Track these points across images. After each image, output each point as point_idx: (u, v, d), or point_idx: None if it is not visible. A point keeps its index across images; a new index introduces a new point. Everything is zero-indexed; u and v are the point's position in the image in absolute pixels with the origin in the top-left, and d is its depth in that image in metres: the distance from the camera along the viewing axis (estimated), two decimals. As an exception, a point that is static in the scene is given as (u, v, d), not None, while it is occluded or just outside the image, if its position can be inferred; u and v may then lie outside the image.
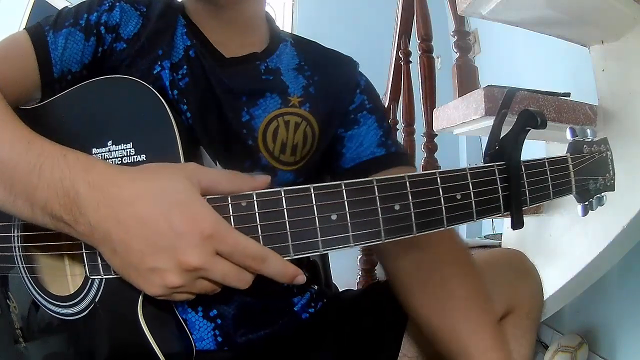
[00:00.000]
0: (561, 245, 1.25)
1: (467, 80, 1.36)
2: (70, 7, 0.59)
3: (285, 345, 0.62)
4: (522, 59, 2.11)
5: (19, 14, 2.37)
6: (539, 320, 0.69)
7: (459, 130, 1.26)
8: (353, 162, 0.66)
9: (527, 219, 1.41)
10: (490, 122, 1.10)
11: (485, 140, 0.49)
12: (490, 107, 1.05)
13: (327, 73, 0.67)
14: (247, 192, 0.41)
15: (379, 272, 1.89)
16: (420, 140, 1.66)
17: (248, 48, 0.64)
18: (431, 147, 1.58)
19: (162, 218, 0.37)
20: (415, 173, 0.43)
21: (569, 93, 1.18)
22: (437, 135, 1.55)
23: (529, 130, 0.45)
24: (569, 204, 1.23)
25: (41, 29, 0.56)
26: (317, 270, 0.72)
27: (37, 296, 0.53)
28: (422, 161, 1.59)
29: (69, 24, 0.56)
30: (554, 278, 1.24)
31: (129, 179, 0.39)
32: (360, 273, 1.85)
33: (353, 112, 0.67)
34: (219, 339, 0.58)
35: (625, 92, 1.11)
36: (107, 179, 0.39)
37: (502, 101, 0.50)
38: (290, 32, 0.73)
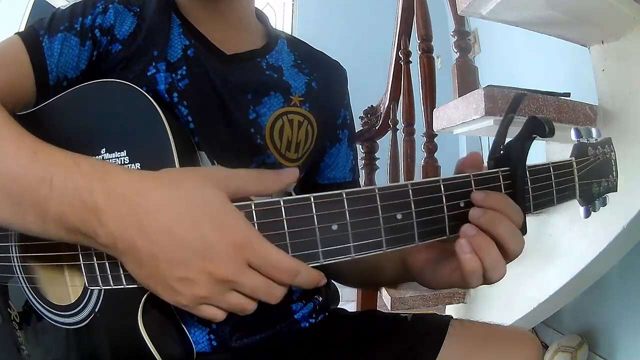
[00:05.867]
0: (561, 245, 1.25)
1: (467, 80, 1.36)
2: (64, 9, 0.56)
3: (284, 350, 0.61)
4: (522, 59, 2.12)
5: (19, 14, 2.36)
6: None
7: (459, 130, 1.26)
8: (327, 180, 0.71)
9: (527, 219, 1.42)
10: (490, 122, 1.10)
11: (485, 140, 0.49)
12: (490, 107, 1.05)
13: (323, 75, 0.69)
14: (246, 202, 0.39)
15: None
16: (420, 140, 1.66)
17: (246, 46, 0.64)
18: (431, 147, 1.58)
19: (191, 228, 0.36)
20: (417, 181, 0.42)
21: (569, 93, 1.18)
22: (437, 135, 1.55)
23: (535, 137, 0.45)
24: (569, 204, 1.23)
25: (35, 34, 0.53)
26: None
27: (38, 305, 0.52)
28: (422, 161, 1.59)
29: (64, 28, 0.54)
30: (554, 278, 1.24)
31: (152, 186, 0.37)
32: (360, 273, 1.85)
33: (339, 128, 0.71)
34: (214, 342, 0.57)
35: (625, 92, 1.11)
36: (128, 186, 0.37)
37: (510, 105, 0.48)
38: (283, 31, 0.74)
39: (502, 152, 0.47)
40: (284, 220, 0.39)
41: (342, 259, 0.40)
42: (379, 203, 0.41)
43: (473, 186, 0.44)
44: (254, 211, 0.39)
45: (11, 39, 0.53)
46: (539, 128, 0.44)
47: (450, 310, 1.69)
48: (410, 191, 0.42)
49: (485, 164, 0.48)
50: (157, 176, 0.39)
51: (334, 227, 0.40)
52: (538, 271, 1.32)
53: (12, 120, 0.44)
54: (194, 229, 0.36)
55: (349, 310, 0.73)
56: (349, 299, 1.76)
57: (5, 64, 0.52)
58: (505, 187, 0.45)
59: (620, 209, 1.03)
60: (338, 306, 0.74)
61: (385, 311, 0.72)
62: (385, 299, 1.57)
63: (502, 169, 0.46)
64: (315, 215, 0.39)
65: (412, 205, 0.41)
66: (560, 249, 1.25)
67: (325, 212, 0.40)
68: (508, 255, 0.43)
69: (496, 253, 0.42)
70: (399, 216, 0.41)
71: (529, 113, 1.06)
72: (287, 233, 0.39)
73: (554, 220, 1.29)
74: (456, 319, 0.63)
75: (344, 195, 0.40)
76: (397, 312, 0.71)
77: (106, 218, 0.37)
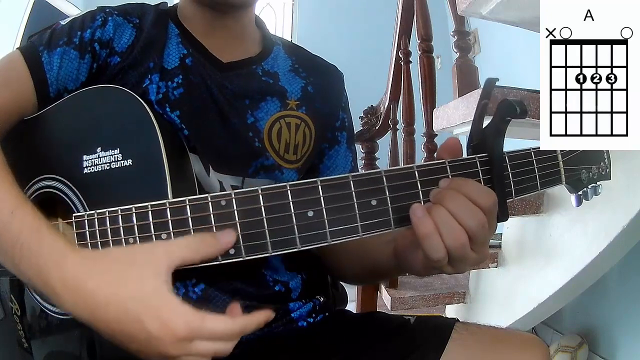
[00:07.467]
0: (561, 245, 1.25)
1: (467, 80, 1.36)
2: (64, 24, 0.59)
3: (281, 349, 0.61)
4: (522, 59, 2.11)
5: (19, 14, 2.36)
6: None
7: (459, 130, 1.26)
8: None
9: (526, 219, 1.42)
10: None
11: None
12: (490, 107, 1.05)
13: (320, 79, 0.70)
14: (227, 192, 0.43)
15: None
16: (420, 140, 1.66)
17: (242, 53, 0.66)
18: (431, 147, 1.58)
19: (135, 323, 0.39)
20: (391, 168, 0.43)
21: (569, 93, 1.18)
22: (437, 135, 1.55)
23: (510, 120, 0.45)
24: (569, 204, 1.23)
25: (35, 49, 0.56)
26: (325, 280, 0.71)
27: (38, 297, 0.53)
28: (422, 161, 1.59)
29: (63, 43, 0.56)
30: (554, 278, 1.24)
31: (101, 282, 0.40)
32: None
33: (337, 130, 0.71)
34: None
35: (625, 92, 1.11)
36: (79, 279, 0.40)
37: (482, 91, 0.48)
38: (281, 37, 0.76)
39: (479, 139, 0.47)
40: (262, 207, 0.42)
41: (320, 245, 0.42)
42: (353, 190, 0.42)
43: (449, 172, 0.44)
44: (233, 199, 0.42)
45: (12, 55, 0.56)
46: (511, 109, 0.44)
47: (450, 310, 1.69)
48: (384, 178, 0.43)
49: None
50: (107, 266, 0.41)
51: (310, 213, 0.42)
52: (538, 271, 1.32)
53: (2, 169, 0.46)
54: (138, 325, 0.39)
55: (350, 311, 0.73)
56: (349, 299, 1.76)
57: (7, 79, 0.55)
58: (483, 173, 0.45)
59: (620, 209, 1.03)
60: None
61: (386, 311, 0.72)
62: (385, 299, 1.57)
63: (480, 155, 0.46)
64: (291, 202, 0.42)
65: (387, 192, 0.43)
66: (560, 249, 1.25)
67: (301, 199, 0.42)
68: (469, 235, 0.42)
69: (445, 213, 0.42)
70: (373, 202, 0.42)
71: (531, 113, 1.06)
72: (264, 219, 0.42)
73: (554, 220, 1.29)
74: (462, 322, 0.62)
75: (319, 183, 0.42)
76: (399, 313, 0.69)
77: (64, 302, 0.41)
